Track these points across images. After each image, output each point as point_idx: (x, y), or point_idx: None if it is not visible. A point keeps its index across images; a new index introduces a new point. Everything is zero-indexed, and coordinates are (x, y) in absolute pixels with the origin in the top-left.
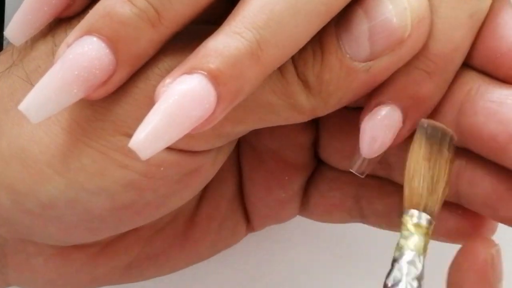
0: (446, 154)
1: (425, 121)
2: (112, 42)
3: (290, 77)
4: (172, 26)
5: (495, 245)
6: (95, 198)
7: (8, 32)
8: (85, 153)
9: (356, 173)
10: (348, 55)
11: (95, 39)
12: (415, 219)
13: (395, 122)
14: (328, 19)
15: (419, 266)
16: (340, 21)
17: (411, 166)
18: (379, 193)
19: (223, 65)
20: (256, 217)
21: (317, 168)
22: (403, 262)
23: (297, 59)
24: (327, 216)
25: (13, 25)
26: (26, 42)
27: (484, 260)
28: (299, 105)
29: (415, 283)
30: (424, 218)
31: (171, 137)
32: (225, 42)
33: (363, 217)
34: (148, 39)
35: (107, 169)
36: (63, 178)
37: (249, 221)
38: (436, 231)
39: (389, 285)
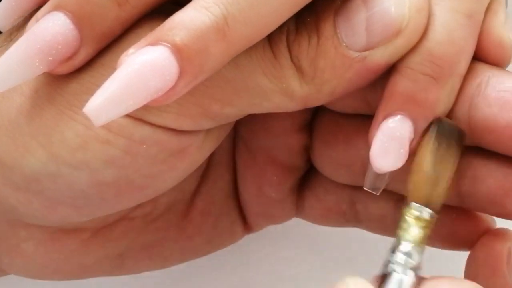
0: (454, 150)
1: (437, 118)
2: (78, 18)
3: (283, 60)
4: (139, 6)
5: None
6: (77, 172)
7: None
8: (69, 126)
9: (370, 191)
10: (344, 43)
11: (61, 14)
12: (416, 212)
13: (406, 133)
14: (303, 3)
15: (416, 257)
16: (339, 8)
17: (417, 161)
18: (373, 198)
19: (188, 39)
20: (251, 216)
21: (312, 171)
22: (399, 252)
23: (291, 42)
24: (323, 219)
25: None
26: (25, 22)
27: (499, 253)
28: (291, 91)
29: (410, 273)
30: (426, 211)
31: (128, 106)
32: (192, 16)
33: (358, 222)
34: (114, 17)
35: (89, 144)
36: (45, 150)
37: (245, 220)
38: (431, 237)
39: (385, 273)
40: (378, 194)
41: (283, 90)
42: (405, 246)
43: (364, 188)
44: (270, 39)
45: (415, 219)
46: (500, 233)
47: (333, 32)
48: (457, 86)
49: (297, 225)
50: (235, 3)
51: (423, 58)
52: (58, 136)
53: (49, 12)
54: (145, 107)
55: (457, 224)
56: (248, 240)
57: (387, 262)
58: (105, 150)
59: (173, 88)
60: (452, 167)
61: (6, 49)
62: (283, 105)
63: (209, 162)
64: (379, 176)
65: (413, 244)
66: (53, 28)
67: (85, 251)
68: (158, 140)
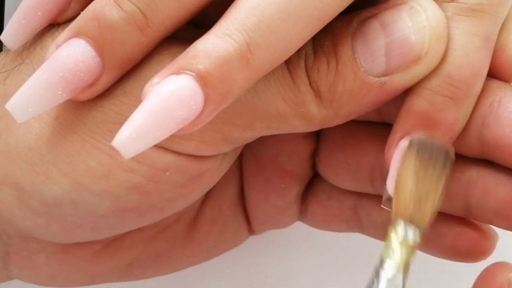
0: (439, 169)
1: (416, 135)
2: (99, 45)
3: (302, 85)
4: (160, 30)
5: None
6: (99, 200)
7: (3, 37)
8: (92, 155)
9: (388, 209)
10: (363, 69)
11: (82, 41)
12: (401, 232)
13: None
14: (322, 25)
15: (399, 279)
16: (357, 33)
17: (398, 180)
18: (376, 205)
19: (212, 67)
20: (255, 221)
21: (316, 178)
22: (383, 273)
23: (310, 68)
24: (325, 225)
25: (8, 29)
26: (36, 41)
27: (500, 284)
28: (310, 115)
29: None
30: (411, 232)
31: (155, 137)
32: (215, 43)
33: (361, 228)
34: (135, 43)
35: (112, 172)
36: (68, 179)
37: (249, 224)
38: (433, 248)
39: None
40: None
41: (301, 114)
42: (389, 266)
43: (382, 206)
44: (288, 64)
45: (400, 241)
46: (500, 265)
47: (352, 56)
48: (472, 105)
49: (299, 226)
50: (257, 29)
51: (442, 81)
52: (81, 164)
53: (69, 38)
54: (169, 136)
55: (460, 237)
56: (250, 241)
57: (372, 283)
58: (128, 178)
59: (198, 116)
60: (439, 185)
61: (20, 71)
62: (301, 127)
63: None
64: None
65: (396, 266)
66: (75, 56)
67: (96, 262)
68: (180, 166)
